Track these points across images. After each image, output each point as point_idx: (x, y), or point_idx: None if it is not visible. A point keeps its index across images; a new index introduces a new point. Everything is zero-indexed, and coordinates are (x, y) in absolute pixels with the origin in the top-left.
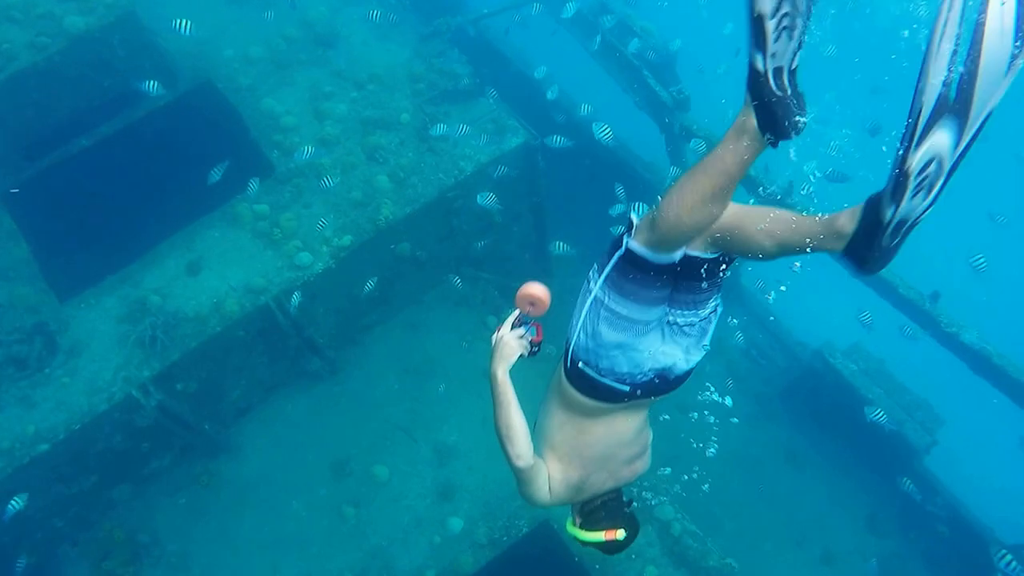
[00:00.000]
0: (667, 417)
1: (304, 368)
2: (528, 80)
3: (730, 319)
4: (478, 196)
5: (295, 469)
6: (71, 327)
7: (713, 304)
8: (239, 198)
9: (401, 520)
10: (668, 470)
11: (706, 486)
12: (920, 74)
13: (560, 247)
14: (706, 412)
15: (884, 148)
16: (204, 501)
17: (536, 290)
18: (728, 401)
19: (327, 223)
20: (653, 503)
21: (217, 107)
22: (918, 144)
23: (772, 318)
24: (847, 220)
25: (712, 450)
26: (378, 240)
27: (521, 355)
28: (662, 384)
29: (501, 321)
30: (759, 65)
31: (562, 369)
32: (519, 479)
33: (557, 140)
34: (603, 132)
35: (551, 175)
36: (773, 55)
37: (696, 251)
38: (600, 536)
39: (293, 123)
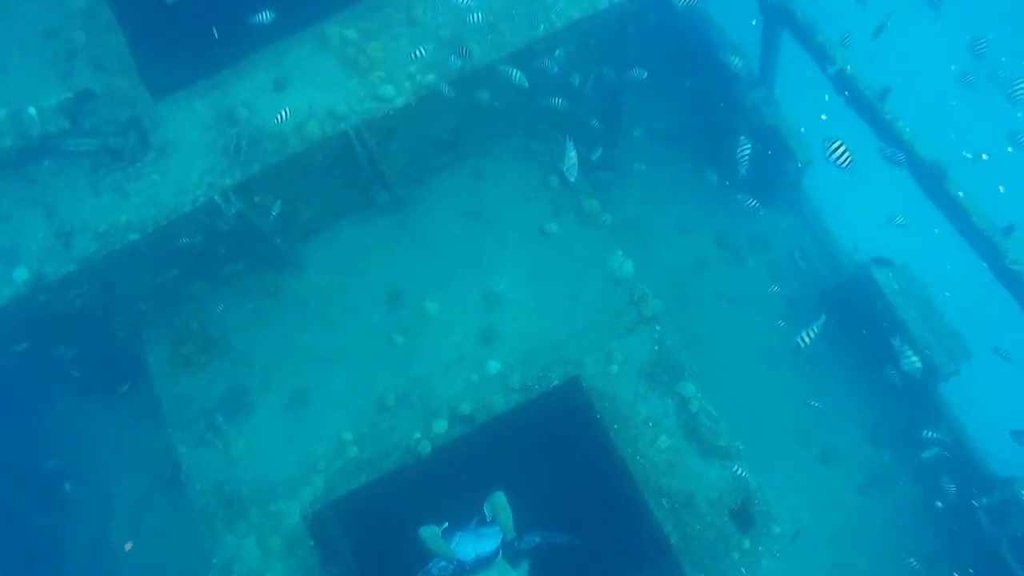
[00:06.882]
0: None
1: (372, 199)
2: None
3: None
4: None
5: (353, 293)
6: (162, 126)
7: None
8: (331, 20)
9: (444, 355)
10: None
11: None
12: None
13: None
14: None
15: None
16: (269, 309)
17: None
18: None
19: (422, 53)
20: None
21: None
22: None
23: (822, 226)
24: None
25: None
26: (460, 83)
27: None
28: None
29: None
30: None
31: None
32: None
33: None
34: None
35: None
36: None
37: None
38: None
39: None
